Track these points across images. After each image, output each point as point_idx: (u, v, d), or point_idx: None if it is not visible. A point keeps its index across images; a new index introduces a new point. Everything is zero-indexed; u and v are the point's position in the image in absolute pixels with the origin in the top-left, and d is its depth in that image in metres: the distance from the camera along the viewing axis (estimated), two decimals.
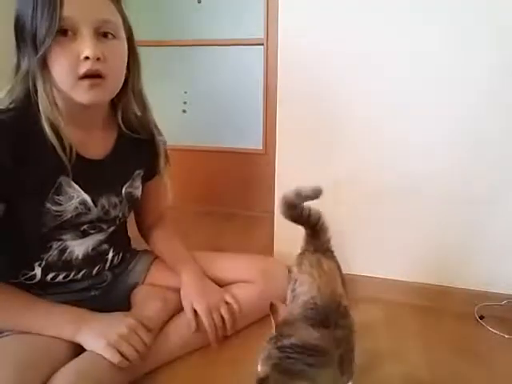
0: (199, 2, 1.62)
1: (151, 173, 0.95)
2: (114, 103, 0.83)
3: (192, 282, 0.92)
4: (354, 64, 1.04)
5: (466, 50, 0.97)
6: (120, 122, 0.84)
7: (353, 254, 1.22)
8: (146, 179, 0.94)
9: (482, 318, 1.10)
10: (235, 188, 1.81)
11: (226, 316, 0.90)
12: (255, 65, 1.61)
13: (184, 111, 1.78)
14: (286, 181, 1.21)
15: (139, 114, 0.86)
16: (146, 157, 0.92)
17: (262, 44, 1.56)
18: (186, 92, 1.76)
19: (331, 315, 0.61)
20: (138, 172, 0.90)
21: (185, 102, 1.77)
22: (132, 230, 1.07)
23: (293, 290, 0.73)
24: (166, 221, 1.06)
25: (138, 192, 0.92)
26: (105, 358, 0.73)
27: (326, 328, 0.57)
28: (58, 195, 0.74)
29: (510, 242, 1.09)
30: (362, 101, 1.07)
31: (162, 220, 1.06)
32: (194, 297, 0.89)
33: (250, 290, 0.98)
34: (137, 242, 1.08)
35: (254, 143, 1.72)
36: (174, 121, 1.79)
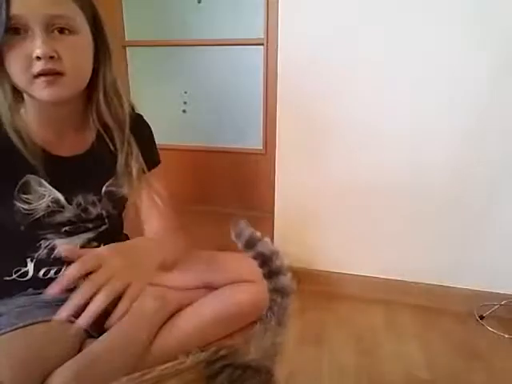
0: (199, 2, 1.62)
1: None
2: (89, 100, 0.78)
3: (136, 241, 0.75)
4: (353, 64, 1.04)
5: (465, 50, 0.97)
6: (94, 118, 0.78)
7: (353, 254, 1.22)
8: None
9: (481, 317, 1.10)
10: (235, 188, 1.80)
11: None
12: (255, 65, 1.60)
13: (184, 111, 1.78)
14: (286, 181, 1.21)
15: (113, 109, 0.79)
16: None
17: (262, 44, 1.56)
18: (186, 92, 1.75)
19: None
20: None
21: (185, 102, 1.77)
22: (131, 230, 1.07)
23: None
24: (175, 230, 0.91)
25: (124, 191, 0.85)
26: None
27: None
28: (25, 194, 0.73)
29: (509, 243, 1.09)
30: (362, 101, 1.07)
31: (172, 230, 0.91)
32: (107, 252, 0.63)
33: (252, 290, 0.98)
34: None
35: (254, 143, 1.71)
36: (174, 121, 1.78)
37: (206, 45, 1.65)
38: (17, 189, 0.73)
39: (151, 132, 0.93)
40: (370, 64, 1.03)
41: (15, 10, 0.61)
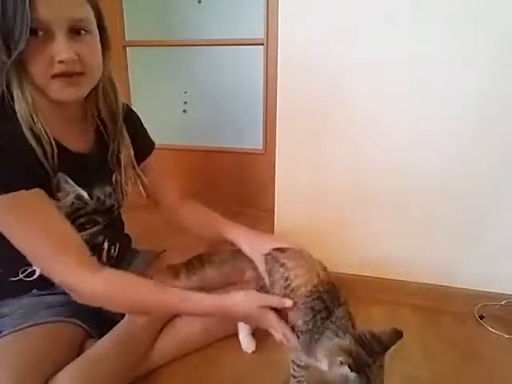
0: (199, 1, 1.62)
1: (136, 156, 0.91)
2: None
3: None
4: (353, 64, 1.04)
5: (465, 50, 0.97)
6: (94, 111, 0.81)
7: (353, 254, 1.22)
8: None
9: (481, 317, 1.10)
10: (235, 188, 1.81)
11: None
12: (255, 65, 1.60)
13: (184, 111, 1.78)
14: (286, 181, 1.21)
15: (112, 102, 0.82)
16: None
17: (262, 44, 1.56)
18: (186, 92, 1.76)
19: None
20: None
21: (185, 102, 1.77)
22: (132, 230, 1.07)
23: (286, 287, 0.74)
24: (192, 200, 1.06)
25: (126, 179, 0.89)
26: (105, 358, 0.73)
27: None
28: (58, 192, 0.74)
29: (509, 242, 1.09)
30: (362, 100, 1.07)
31: (188, 199, 1.06)
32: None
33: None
34: (137, 242, 1.08)
35: (254, 143, 1.72)
36: (174, 121, 1.79)
37: (206, 45, 1.65)
38: (55, 188, 0.73)
39: (140, 119, 0.96)
40: (370, 64, 1.03)
41: (39, 14, 0.61)
